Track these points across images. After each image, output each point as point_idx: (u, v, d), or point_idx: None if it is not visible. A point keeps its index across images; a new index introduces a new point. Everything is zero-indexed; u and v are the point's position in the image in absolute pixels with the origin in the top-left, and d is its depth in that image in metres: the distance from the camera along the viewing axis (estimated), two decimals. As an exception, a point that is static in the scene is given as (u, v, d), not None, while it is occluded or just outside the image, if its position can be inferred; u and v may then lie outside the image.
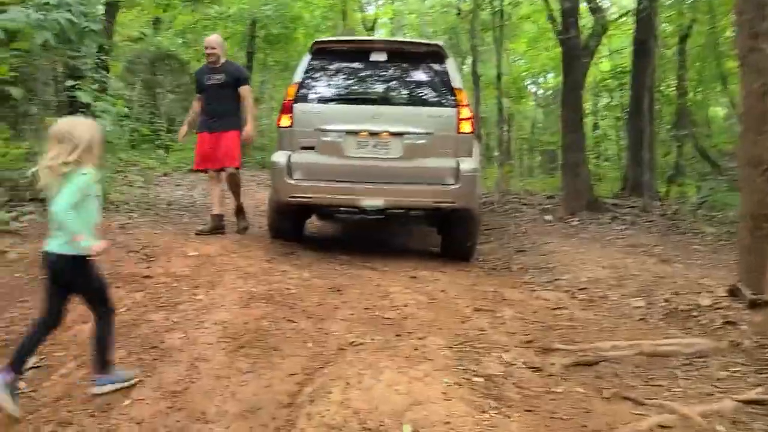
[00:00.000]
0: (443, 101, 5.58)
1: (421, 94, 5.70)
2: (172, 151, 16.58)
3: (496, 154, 20.53)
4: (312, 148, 5.50)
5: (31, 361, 3.22)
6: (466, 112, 5.49)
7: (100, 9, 6.13)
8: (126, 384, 2.94)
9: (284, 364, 3.17)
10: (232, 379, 3.00)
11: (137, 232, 5.67)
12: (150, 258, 4.91)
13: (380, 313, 4.05)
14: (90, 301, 2.95)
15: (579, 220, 8.48)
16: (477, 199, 5.80)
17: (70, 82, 6.34)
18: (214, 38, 6.26)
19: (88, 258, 2.78)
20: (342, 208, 5.66)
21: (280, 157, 5.53)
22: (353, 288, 4.62)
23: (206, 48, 6.17)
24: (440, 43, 5.98)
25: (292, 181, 5.46)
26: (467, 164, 5.46)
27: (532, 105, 25.64)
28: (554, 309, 4.41)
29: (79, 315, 3.80)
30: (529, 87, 24.80)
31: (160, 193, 9.36)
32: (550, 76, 23.36)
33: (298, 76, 5.64)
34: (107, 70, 9.83)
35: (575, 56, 9.59)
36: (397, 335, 3.60)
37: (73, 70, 8.13)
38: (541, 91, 28.27)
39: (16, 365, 2.81)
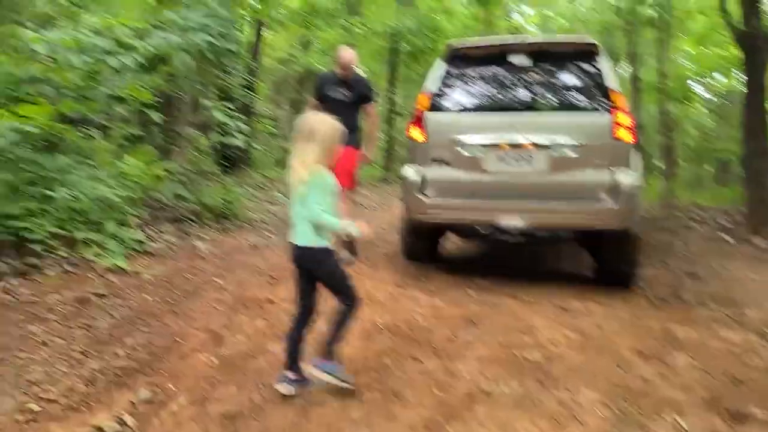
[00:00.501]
0: (597, 105, 4.91)
1: (570, 99, 5.07)
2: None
3: (655, 162, 18.73)
4: (446, 162, 5.08)
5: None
6: (624, 118, 4.77)
7: (243, 30, 6.17)
8: (340, 384, 2.89)
9: (404, 414, 2.76)
10: None
11: (267, 252, 5.60)
12: (275, 280, 4.76)
13: (520, 352, 3.51)
14: (333, 291, 2.96)
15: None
16: (638, 217, 5.02)
17: (208, 103, 6.50)
18: (352, 54, 5.82)
19: (330, 249, 2.92)
20: (478, 229, 5.16)
21: (411, 172, 5.17)
22: (490, 319, 4.11)
23: (343, 64, 5.74)
24: (592, 39, 5.30)
25: (425, 199, 5.08)
26: (626, 178, 4.74)
27: (701, 110, 23.27)
28: (743, 355, 3.58)
29: (200, 343, 3.69)
30: (696, 90, 22.55)
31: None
32: (720, 77, 21.04)
33: (430, 83, 5.26)
34: (253, 90, 10.21)
35: (760, 51, 8.28)
36: (540, 383, 3.05)
37: (221, 91, 8.45)
38: (709, 95, 25.66)
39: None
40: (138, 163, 5.61)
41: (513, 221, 4.86)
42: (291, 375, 2.98)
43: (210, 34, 5.94)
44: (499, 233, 4.97)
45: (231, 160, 11.83)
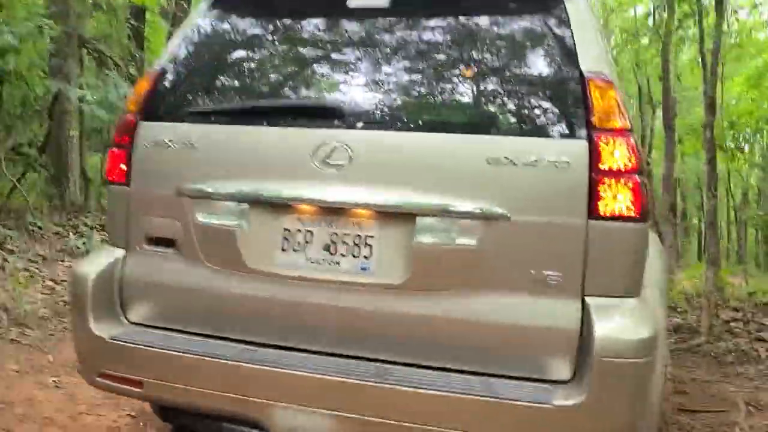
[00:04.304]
0: (549, 117, 1.97)
1: (485, 100, 2.10)
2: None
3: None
4: (171, 242, 2.14)
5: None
6: (622, 150, 1.80)
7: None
8: None
9: None
10: None
11: None
12: None
13: None
14: None
15: None
16: (649, 416, 1.98)
17: None
18: None
19: None
20: (227, 426, 2.13)
21: (91, 264, 2.23)
22: None
23: None
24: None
25: (110, 333, 2.11)
26: (622, 322, 1.79)
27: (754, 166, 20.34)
28: None
29: None
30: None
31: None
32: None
33: (164, 55, 2.35)
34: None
35: None
36: None
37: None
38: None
39: None
40: None
41: (306, 422, 1.89)
42: None
43: None
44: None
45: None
